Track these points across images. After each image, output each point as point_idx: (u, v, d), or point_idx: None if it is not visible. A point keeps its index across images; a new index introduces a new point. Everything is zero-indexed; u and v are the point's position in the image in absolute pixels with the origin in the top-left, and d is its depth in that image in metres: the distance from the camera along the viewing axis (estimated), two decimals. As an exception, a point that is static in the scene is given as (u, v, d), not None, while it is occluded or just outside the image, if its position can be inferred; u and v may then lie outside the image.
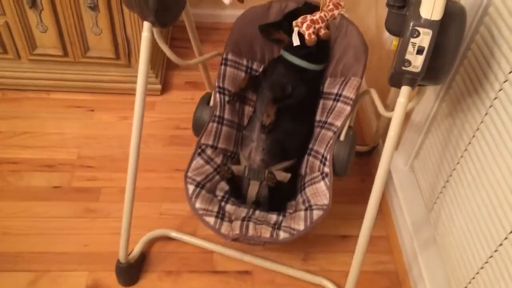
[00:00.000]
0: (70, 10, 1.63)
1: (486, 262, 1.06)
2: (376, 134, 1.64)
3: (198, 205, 1.26)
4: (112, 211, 1.53)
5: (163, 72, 2.00)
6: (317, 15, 1.23)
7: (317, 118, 1.44)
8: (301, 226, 1.23)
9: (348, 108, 1.33)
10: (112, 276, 1.35)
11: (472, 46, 1.13)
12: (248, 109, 1.50)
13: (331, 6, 1.25)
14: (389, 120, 0.99)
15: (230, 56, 1.45)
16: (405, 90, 0.94)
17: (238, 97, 1.44)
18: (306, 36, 1.21)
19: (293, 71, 1.40)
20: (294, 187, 1.41)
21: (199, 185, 1.31)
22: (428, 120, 1.35)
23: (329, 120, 1.38)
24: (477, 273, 1.09)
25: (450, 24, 0.88)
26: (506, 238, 0.98)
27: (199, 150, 1.36)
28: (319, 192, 1.29)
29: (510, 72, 0.98)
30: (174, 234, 1.45)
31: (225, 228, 1.23)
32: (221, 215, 1.27)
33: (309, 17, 1.21)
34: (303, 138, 1.43)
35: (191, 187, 1.29)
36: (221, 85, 1.42)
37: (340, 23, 1.41)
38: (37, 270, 1.37)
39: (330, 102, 1.41)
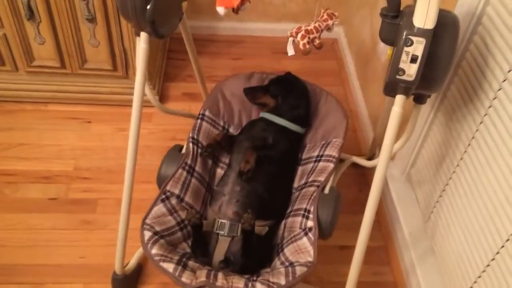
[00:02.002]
0: (68, 22, 1.64)
1: (483, 271, 1.05)
2: (373, 144, 1.65)
3: (154, 251, 1.07)
4: (109, 223, 1.52)
5: (161, 83, 2.00)
6: (311, 25, 1.24)
7: (295, 184, 1.37)
8: (282, 281, 1.04)
9: (332, 165, 1.26)
10: (108, 288, 1.35)
11: (467, 55, 1.14)
12: (219, 172, 1.39)
13: (325, 17, 1.27)
14: (385, 129, 1.00)
15: (207, 113, 1.42)
16: (399, 99, 0.95)
17: (211, 151, 1.34)
18: (301, 46, 1.22)
19: (275, 128, 1.38)
20: (270, 251, 1.24)
21: (158, 234, 1.13)
22: (424, 129, 1.35)
23: (311, 178, 1.29)
24: (475, 282, 1.09)
25: (443, 33, 0.89)
26: (502, 247, 0.98)
27: (163, 196, 1.20)
28: (301, 249, 1.13)
29: (504, 81, 0.98)
30: (170, 245, 1.44)
31: (187, 276, 1.03)
32: (182, 263, 1.08)
33: (303, 27, 1.23)
34: (281, 198, 1.32)
35: (148, 233, 1.11)
36: (195, 136, 1.34)
37: (320, 92, 1.46)
38: (32, 283, 1.36)
39: (311, 165, 1.35)
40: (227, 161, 1.40)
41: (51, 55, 1.73)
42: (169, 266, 1.05)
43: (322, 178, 1.24)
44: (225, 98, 1.49)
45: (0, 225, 1.48)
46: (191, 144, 1.32)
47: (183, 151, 1.33)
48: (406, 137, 1.17)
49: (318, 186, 1.22)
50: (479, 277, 1.07)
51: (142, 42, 1.09)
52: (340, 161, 1.38)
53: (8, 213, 1.52)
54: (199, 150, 1.32)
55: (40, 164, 1.67)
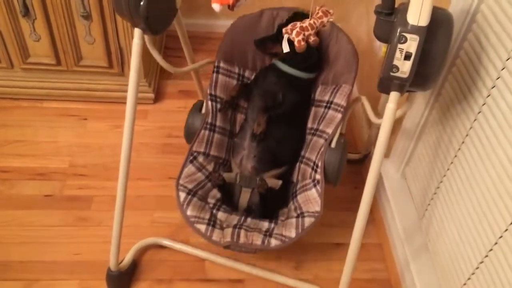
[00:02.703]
0: (63, 19, 1.64)
1: (477, 268, 1.06)
2: (368, 142, 1.65)
3: (189, 212, 1.25)
4: (104, 220, 1.52)
5: (157, 81, 2.00)
6: (306, 22, 1.24)
7: (309, 125, 1.45)
8: (292, 234, 1.22)
9: (339, 115, 1.33)
10: (103, 284, 1.34)
11: (461, 53, 1.15)
12: (240, 117, 1.50)
13: (320, 14, 1.27)
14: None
15: (222, 64, 1.46)
16: (393, 95, 0.95)
17: (229, 105, 1.44)
18: (296, 43, 1.23)
19: (285, 79, 1.41)
20: (286, 194, 1.40)
21: (191, 193, 1.30)
22: (418, 127, 1.35)
23: (321, 127, 1.38)
24: (469, 279, 1.09)
25: (437, 30, 0.89)
26: (496, 243, 0.98)
27: (191, 157, 1.36)
28: (310, 199, 1.28)
29: (498, 78, 0.99)
30: (166, 242, 1.45)
31: (216, 235, 1.23)
32: (212, 222, 1.26)
33: (298, 24, 1.23)
34: (295, 146, 1.43)
35: (182, 195, 1.28)
36: (213, 92, 1.42)
37: (331, 31, 1.42)
38: (27, 279, 1.36)
39: (322, 110, 1.41)
40: (245, 105, 1.48)
41: (46, 52, 1.73)
42: (202, 227, 1.23)
43: (330, 131, 1.33)
44: (237, 42, 1.48)
45: (-5, 221, 1.48)
46: (209, 102, 1.40)
47: (203, 110, 1.41)
48: (407, 106, 1.15)
49: (326, 140, 1.32)
50: (473, 273, 1.07)
51: (136, 38, 1.09)
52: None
53: (3, 209, 1.51)
54: (218, 106, 1.41)
55: (35, 161, 1.67)
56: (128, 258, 1.37)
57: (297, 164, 1.42)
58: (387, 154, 1.57)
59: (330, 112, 1.38)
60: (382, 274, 1.47)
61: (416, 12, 0.86)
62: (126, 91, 1.14)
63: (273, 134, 1.37)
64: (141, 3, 1.03)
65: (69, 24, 1.65)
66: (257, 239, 1.22)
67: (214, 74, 1.45)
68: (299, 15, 1.38)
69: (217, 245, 1.22)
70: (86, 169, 1.66)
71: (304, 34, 1.22)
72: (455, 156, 1.17)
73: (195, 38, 2.13)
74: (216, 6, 1.17)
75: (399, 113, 1.17)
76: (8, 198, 1.55)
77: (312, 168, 1.34)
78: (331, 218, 1.56)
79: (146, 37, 1.14)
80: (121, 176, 1.20)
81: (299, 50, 1.23)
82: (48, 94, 1.85)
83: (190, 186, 1.31)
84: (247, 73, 1.52)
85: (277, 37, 1.42)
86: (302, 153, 1.42)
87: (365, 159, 1.72)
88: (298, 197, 1.33)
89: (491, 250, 1.00)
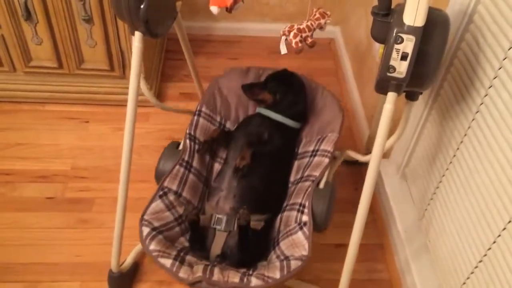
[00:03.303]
0: (65, 23, 1.65)
1: (476, 267, 1.06)
2: (368, 142, 1.65)
3: (152, 246, 1.10)
4: (105, 222, 1.53)
5: (158, 83, 2.01)
6: (304, 24, 1.25)
7: (292, 179, 1.39)
8: (276, 275, 1.06)
9: (326, 159, 1.28)
10: (104, 286, 1.35)
11: (459, 53, 1.15)
12: (217, 167, 1.41)
13: (317, 15, 1.28)
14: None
15: (204, 109, 1.44)
16: (391, 96, 0.95)
17: (208, 147, 1.36)
18: (293, 45, 1.23)
19: (271, 123, 1.40)
20: (267, 241, 1.26)
21: (156, 230, 1.15)
22: (418, 127, 1.36)
23: (306, 173, 1.31)
24: (468, 278, 1.09)
25: (433, 30, 0.90)
26: (494, 242, 0.99)
27: (161, 192, 1.23)
28: (296, 243, 1.15)
29: (495, 78, 0.99)
30: (167, 243, 1.45)
31: (184, 271, 1.06)
32: (180, 258, 1.11)
33: (296, 25, 1.24)
34: (277, 192, 1.35)
35: (146, 229, 1.13)
36: (192, 133, 1.36)
37: (316, 87, 1.47)
38: (29, 281, 1.36)
39: (306, 160, 1.37)
40: (224, 155, 1.41)
41: (48, 55, 1.74)
42: (167, 262, 1.07)
43: (317, 173, 1.26)
44: (221, 93, 1.50)
45: (-3, 224, 1.49)
46: (188, 141, 1.33)
47: (180, 147, 1.35)
48: (398, 134, 1.18)
49: (313, 181, 1.24)
50: (472, 273, 1.08)
51: (136, 41, 1.10)
52: (335, 157, 1.41)
53: (5, 212, 1.52)
54: (196, 147, 1.34)
55: (37, 163, 1.68)
56: (129, 259, 1.38)
57: (279, 215, 1.30)
58: (387, 155, 1.57)
59: (316, 158, 1.33)
60: (382, 274, 1.47)
61: (412, 12, 0.87)
62: (127, 93, 1.14)
63: (256, 173, 1.28)
64: (141, 6, 1.04)
65: (70, 28, 1.67)
66: (234, 277, 1.06)
67: (195, 117, 1.40)
68: (283, 74, 1.45)
69: (184, 282, 1.05)
70: (87, 172, 1.67)
71: (301, 36, 1.23)
72: (454, 156, 1.17)
73: (195, 41, 2.15)
74: (214, 9, 1.19)
75: (389, 142, 1.21)
76: (10, 200, 1.56)
77: (298, 210, 1.22)
78: (331, 219, 1.57)
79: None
80: (122, 178, 1.21)
81: (297, 51, 1.24)
82: (50, 97, 1.87)
83: (156, 224, 1.16)
84: (228, 124, 1.50)
85: (265, 85, 1.45)
86: (285, 203, 1.31)
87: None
88: (281, 244, 1.19)
89: (489, 249, 1.01)
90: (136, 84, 1.13)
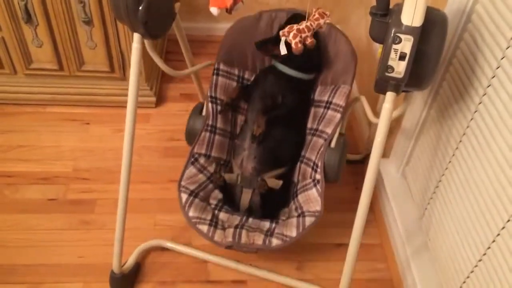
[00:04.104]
0: (65, 25, 1.66)
1: (476, 266, 1.06)
2: (368, 142, 1.66)
3: (191, 213, 1.27)
4: (107, 223, 1.53)
5: (158, 84, 2.02)
6: (303, 25, 1.25)
7: (309, 125, 1.46)
8: (293, 233, 1.23)
9: (338, 115, 1.34)
10: (106, 287, 1.36)
11: (457, 52, 1.15)
12: (240, 118, 1.52)
13: (316, 16, 1.28)
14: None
15: (221, 66, 1.48)
16: (390, 96, 0.96)
17: (229, 107, 1.46)
18: (293, 45, 1.24)
19: (284, 80, 1.42)
20: (287, 194, 1.41)
21: (193, 194, 1.31)
22: (417, 126, 1.36)
23: (320, 127, 1.39)
24: (468, 277, 1.10)
25: (431, 30, 0.90)
26: (494, 241, 0.99)
27: (192, 159, 1.37)
28: (311, 198, 1.29)
29: (493, 77, 1.00)
30: (168, 244, 1.46)
31: (218, 235, 1.24)
32: (214, 223, 1.28)
33: (295, 26, 1.24)
34: (295, 146, 1.44)
35: (184, 196, 1.29)
36: (213, 94, 1.44)
37: (329, 32, 1.43)
38: (31, 282, 1.37)
39: (321, 110, 1.43)
40: (246, 107, 1.49)
41: (49, 57, 1.75)
42: (204, 228, 1.24)
43: (329, 130, 1.34)
44: (236, 44, 1.49)
45: (-1, 226, 1.50)
46: (210, 104, 1.41)
47: (203, 113, 1.42)
48: (404, 106, 1.17)
49: (325, 140, 1.33)
50: (472, 272, 1.08)
51: (135, 43, 1.11)
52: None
53: (8, 213, 1.53)
54: (218, 108, 1.42)
55: (39, 165, 1.69)
56: (131, 260, 1.38)
57: (298, 164, 1.43)
58: (387, 154, 1.58)
59: (329, 112, 1.39)
60: (383, 274, 1.47)
61: (410, 12, 0.87)
62: (127, 95, 1.15)
63: (272, 135, 1.37)
64: (140, 8, 1.04)
65: (70, 30, 1.67)
66: (259, 239, 1.23)
67: (214, 76, 1.46)
68: (297, 17, 1.39)
69: (219, 245, 1.23)
70: (89, 173, 1.68)
71: (301, 36, 1.24)
72: (453, 155, 1.17)
73: (195, 42, 2.16)
74: (214, 10, 1.19)
75: (396, 113, 1.18)
76: (13, 202, 1.57)
77: (312, 168, 1.35)
78: (332, 219, 1.57)
79: (145, 41, 1.15)
80: (122, 179, 1.22)
81: (296, 52, 1.24)
82: (51, 99, 1.88)
83: (192, 187, 1.32)
84: (246, 75, 1.54)
85: (278, 39, 1.40)
86: (302, 153, 1.43)
87: (366, 160, 1.73)
88: (299, 196, 1.35)
89: (489, 248, 1.01)
90: (136, 85, 1.14)
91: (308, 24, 1.25)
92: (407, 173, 1.49)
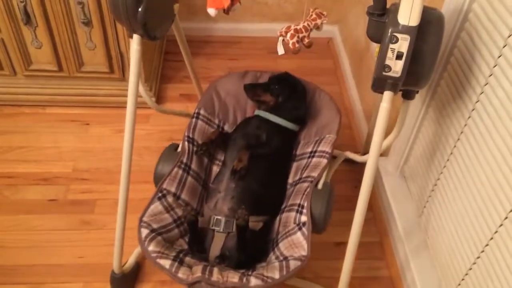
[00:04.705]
0: (64, 26, 1.66)
1: (474, 263, 1.07)
2: (367, 141, 1.66)
3: (151, 248, 1.10)
4: (107, 223, 1.54)
5: (157, 85, 2.02)
6: (300, 25, 1.26)
7: (290, 180, 1.39)
8: (276, 275, 1.06)
9: (325, 160, 1.28)
10: (107, 287, 1.36)
11: (455, 51, 1.16)
12: (215, 169, 1.41)
13: (314, 16, 1.29)
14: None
15: (202, 112, 1.44)
16: (387, 95, 0.97)
17: (206, 149, 1.35)
18: (291, 45, 1.24)
19: (269, 125, 1.40)
20: (266, 246, 1.26)
21: (155, 231, 1.15)
22: (416, 125, 1.37)
23: (304, 174, 1.32)
24: (466, 274, 1.10)
25: (428, 29, 0.91)
26: (491, 238, 1.00)
27: (160, 194, 1.22)
28: (295, 243, 1.15)
29: (490, 75, 1.00)
30: (168, 244, 1.46)
31: (183, 272, 1.06)
32: (179, 260, 1.10)
33: (293, 26, 1.24)
34: (276, 194, 1.34)
35: (145, 231, 1.13)
36: (190, 135, 1.36)
37: (313, 90, 1.48)
38: (32, 283, 1.38)
39: (305, 161, 1.37)
40: (222, 158, 1.41)
41: (48, 58, 1.76)
42: (166, 263, 1.07)
43: (315, 174, 1.26)
44: (219, 96, 1.51)
45: (0, 226, 1.50)
46: (186, 143, 1.34)
47: (179, 149, 1.35)
48: (395, 133, 1.19)
49: (311, 182, 1.24)
50: (470, 269, 1.09)
51: (135, 44, 1.11)
52: (334, 157, 1.42)
53: (8, 214, 1.54)
54: (195, 149, 1.34)
55: (39, 166, 1.69)
56: (131, 260, 1.39)
57: (278, 216, 1.30)
58: (385, 153, 1.58)
59: (315, 159, 1.33)
60: (383, 271, 1.48)
61: (407, 12, 0.88)
62: (127, 95, 1.16)
63: (253, 175, 1.28)
64: (139, 9, 1.05)
65: (70, 31, 1.68)
66: (234, 277, 1.05)
67: (194, 119, 1.41)
68: (280, 78, 1.45)
69: (183, 283, 1.04)
70: (89, 174, 1.69)
71: (298, 36, 1.24)
72: (451, 153, 1.18)
73: (194, 42, 2.17)
74: (211, 11, 1.20)
75: (387, 142, 1.22)
76: (13, 203, 1.57)
77: (297, 211, 1.22)
78: (331, 218, 1.57)
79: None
80: (122, 179, 1.22)
81: (294, 52, 1.25)
82: (51, 100, 1.88)
83: (154, 226, 1.16)
84: (226, 127, 1.50)
85: (268, 86, 1.44)
86: (283, 205, 1.31)
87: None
88: (280, 244, 1.19)
89: (487, 245, 1.02)
90: (135, 86, 1.14)
91: (306, 24, 1.26)
92: (405, 172, 1.50)
